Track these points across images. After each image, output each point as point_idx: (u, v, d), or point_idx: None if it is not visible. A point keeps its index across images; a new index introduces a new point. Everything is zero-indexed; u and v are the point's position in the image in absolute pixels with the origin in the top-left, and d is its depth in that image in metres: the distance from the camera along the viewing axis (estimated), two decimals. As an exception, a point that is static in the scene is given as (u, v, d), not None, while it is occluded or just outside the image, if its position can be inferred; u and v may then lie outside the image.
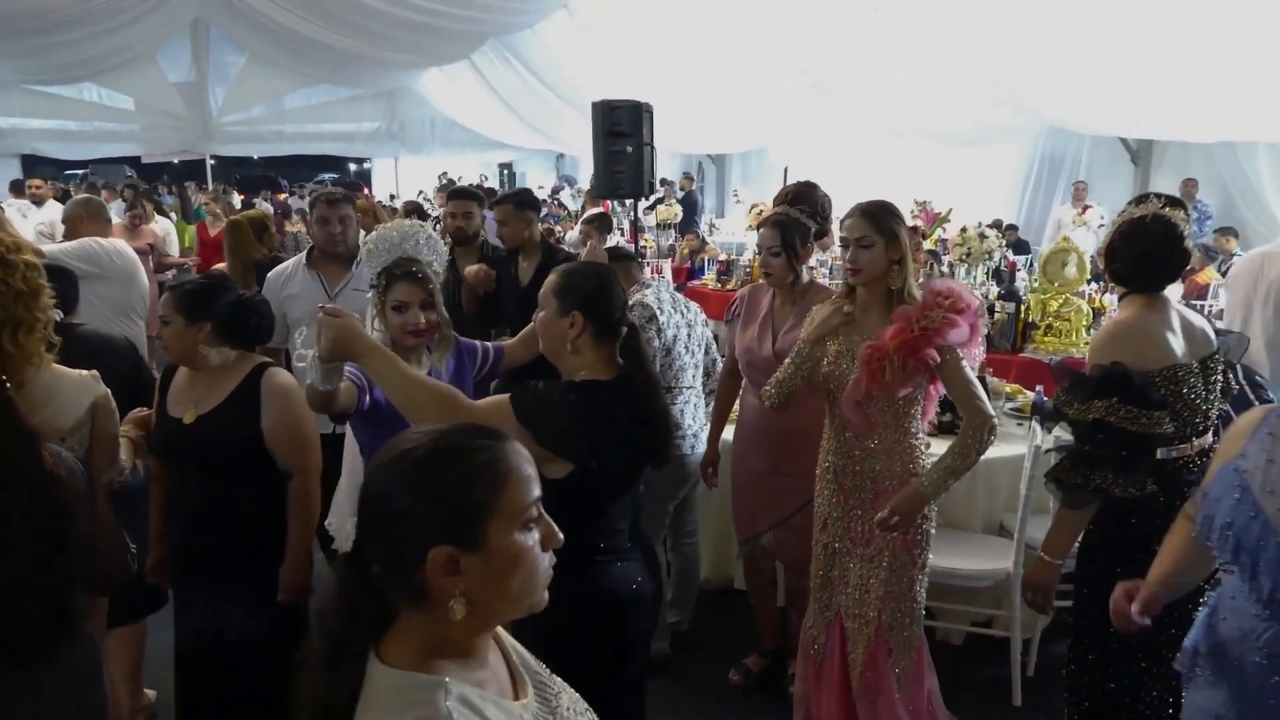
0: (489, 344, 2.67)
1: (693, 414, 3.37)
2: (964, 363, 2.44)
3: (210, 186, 15.82)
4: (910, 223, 5.51)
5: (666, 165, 15.47)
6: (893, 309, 2.47)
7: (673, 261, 8.44)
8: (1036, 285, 5.28)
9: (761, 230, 2.99)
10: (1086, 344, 4.55)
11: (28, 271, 2.15)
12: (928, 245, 6.17)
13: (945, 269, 6.16)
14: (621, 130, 5.57)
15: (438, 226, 4.31)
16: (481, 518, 1.08)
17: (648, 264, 6.31)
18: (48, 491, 1.68)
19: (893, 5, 6.73)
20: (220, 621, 2.37)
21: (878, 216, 2.49)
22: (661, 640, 3.45)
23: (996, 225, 7.29)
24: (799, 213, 2.98)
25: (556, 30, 10.64)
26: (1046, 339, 5.01)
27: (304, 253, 3.55)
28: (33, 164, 18.52)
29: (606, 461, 1.95)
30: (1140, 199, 2.36)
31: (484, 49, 12.56)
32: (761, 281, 3.18)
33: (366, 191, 17.29)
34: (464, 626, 1.08)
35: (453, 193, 4.47)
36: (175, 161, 18.41)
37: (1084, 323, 4.92)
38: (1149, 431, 2.13)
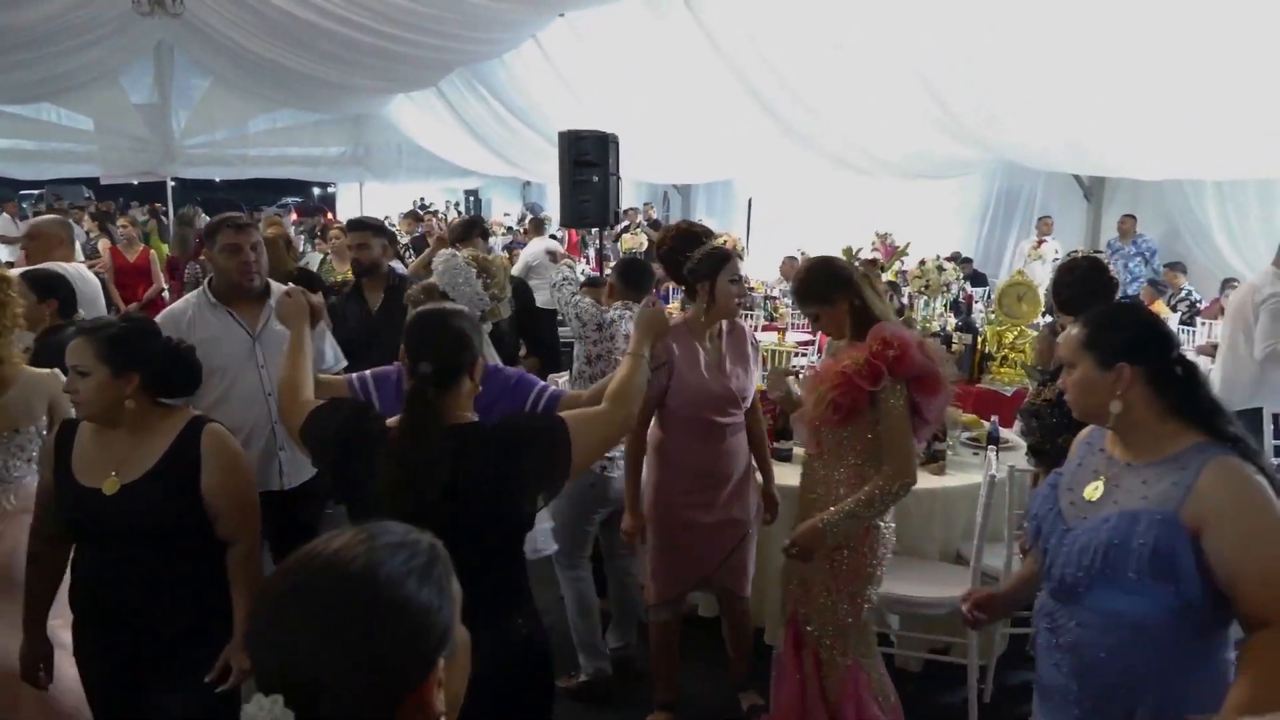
0: (548, 388, 2.44)
1: None
2: (904, 416, 2.46)
3: (171, 208, 15.65)
4: (870, 255, 5.64)
5: (631, 194, 15.60)
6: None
7: (638, 290, 8.48)
8: (993, 317, 5.40)
9: (734, 262, 2.97)
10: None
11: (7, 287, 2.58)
12: (887, 277, 6.29)
13: (905, 300, 6.28)
14: (588, 160, 5.65)
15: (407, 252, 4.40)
16: (453, 616, 0.98)
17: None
18: None
19: (853, 42, 6.90)
20: (154, 714, 2.12)
21: (804, 291, 2.66)
22: (601, 660, 3.43)
23: (954, 258, 7.45)
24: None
25: (525, 60, 10.72)
26: (1002, 370, 5.12)
27: (202, 289, 3.02)
28: (-16, 183, 18.20)
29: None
30: (1070, 254, 2.98)
31: (452, 77, 12.58)
32: (675, 323, 2.92)
33: (331, 216, 17.21)
34: None
35: (350, 224, 4.49)
36: (135, 183, 18.16)
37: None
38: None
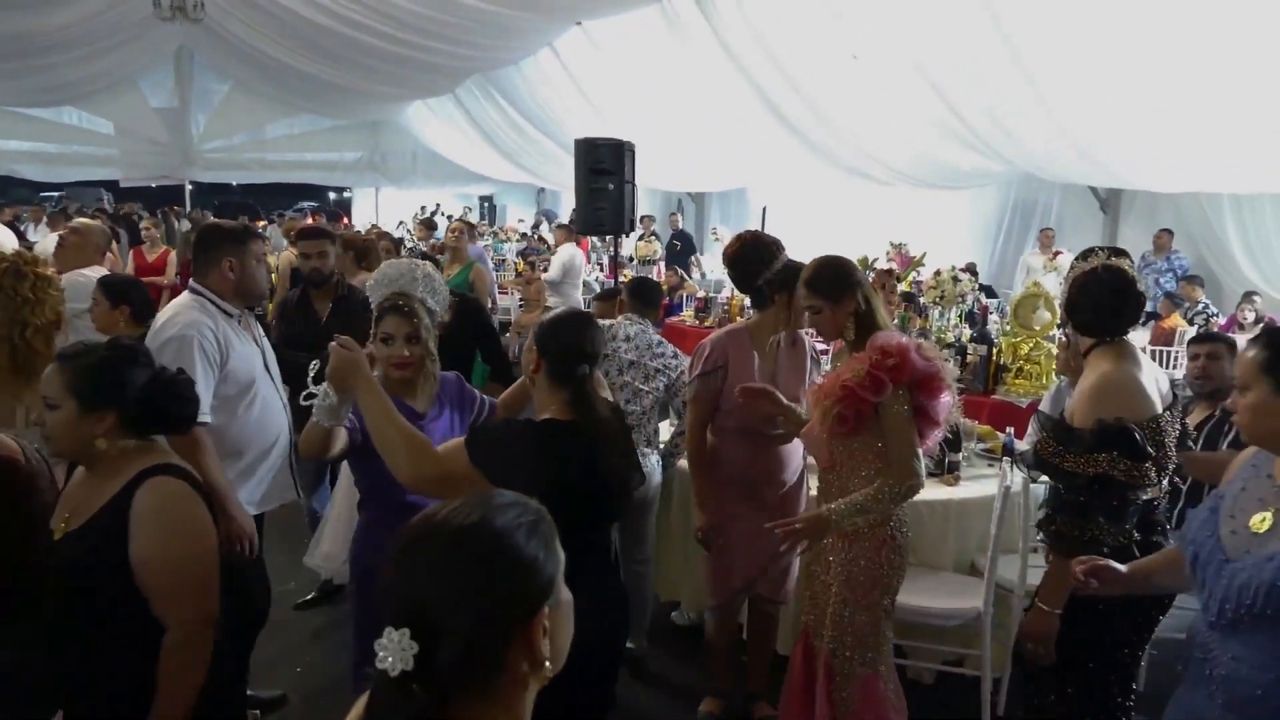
0: (485, 397, 2.71)
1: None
2: (908, 420, 2.47)
3: (189, 211, 15.78)
4: (885, 265, 5.63)
5: (646, 202, 15.63)
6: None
7: (652, 297, 8.49)
8: (1008, 329, 5.39)
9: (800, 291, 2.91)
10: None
11: (37, 282, 2.66)
12: (903, 288, 6.29)
13: (919, 312, 6.27)
14: (604, 168, 5.66)
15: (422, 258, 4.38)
16: (557, 571, 1.09)
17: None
18: (11, 474, 1.87)
19: (869, 52, 6.90)
20: None
21: (816, 284, 2.63)
22: None
23: (970, 269, 7.43)
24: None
25: (541, 68, 10.78)
26: (1018, 381, 5.10)
27: (204, 301, 2.78)
28: (7, 185, 18.40)
29: (553, 503, 1.95)
30: (1086, 253, 2.48)
31: (468, 84, 12.65)
32: (734, 329, 3.17)
33: (347, 221, 17.31)
34: (527, 699, 1.09)
35: (302, 232, 4.48)
36: (153, 186, 18.31)
37: (1053, 366, 5.02)
38: (1140, 483, 2.20)
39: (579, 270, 8.60)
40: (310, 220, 16.90)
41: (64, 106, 14.94)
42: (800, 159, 9.14)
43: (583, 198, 5.78)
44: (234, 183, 20.51)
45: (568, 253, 8.69)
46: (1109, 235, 9.54)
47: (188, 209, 16.30)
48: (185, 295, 2.80)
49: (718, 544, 3.09)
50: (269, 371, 2.93)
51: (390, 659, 0.97)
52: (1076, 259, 2.53)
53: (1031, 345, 5.12)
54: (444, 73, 12.01)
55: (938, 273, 5.90)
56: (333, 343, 2.06)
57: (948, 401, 2.54)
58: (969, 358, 5.15)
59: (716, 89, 8.67)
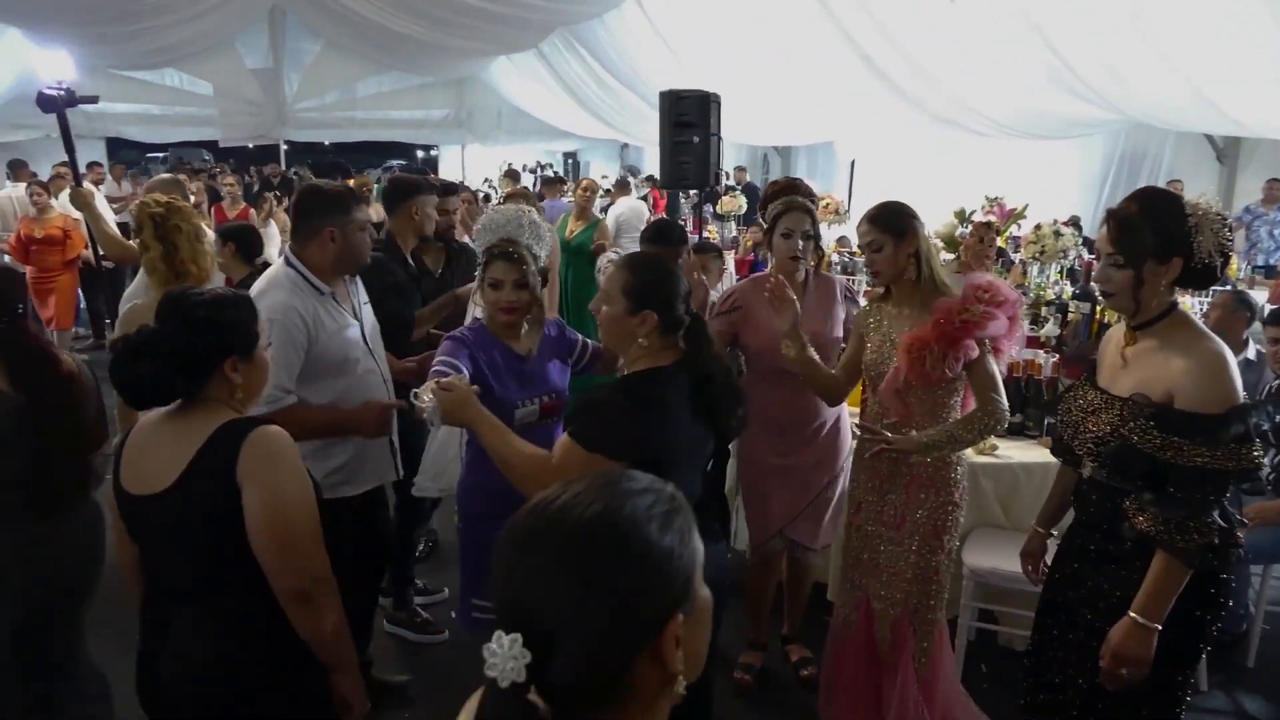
0: (589, 341, 2.76)
1: None
2: (990, 358, 2.53)
3: (284, 170, 16.23)
4: (982, 218, 5.39)
5: (731, 156, 15.38)
6: (929, 301, 2.55)
7: (736, 254, 8.38)
8: (1113, 286, 5.11)
9: (792, 215, 3.02)
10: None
11: (189, 215, 3.36)
12: (1000, 242, 6.02)
13: (1018, 266, 6.01)
14: (688, 120, 5.56)
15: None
16: (694, 568, 0.95)
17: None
18: (68, 386, 2.35)
19: (969, -4, 6.57)
20: None
21: (882, 219, 2.62)
22: None
23: (1073, 222, 7.07)
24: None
25: (624, 20, 10.62)
26: (1122, 341, 4.85)
27: (290, 271, 2.65)
28: (117, 146, 19.22)
29: (670, 448, 1.97)
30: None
31: (552, 38, 12.59)
32: (760, 276, 3.25)
33: (433, 177, 17.53)
34: (665, 707, 0.95)
35: (445, 187, 4.14)
36: (250, 146, 18.86)
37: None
38: (1256, 469, 1.92)
39: (633, 226, 8.55)
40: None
41: (165, 69, 15.43)
42: (892, 110, 8.83)
43: (666, 151, 5.70)
44: (326, 142, 20.91)
45: (620, 208, 8.67)
46: (1225, 187, 8.99)
47: (283, 168, 16.73)
48: (278, 267, 2.67)
49: (755, 489, 3.17)
50: (368, 344, 2.77)
51: (500, 668, 0.84)
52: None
53: (1139, 303, 4.86)
54: (528, 27, 11.98)
55: (1038, 227, 5.62)
56: (435, 386, 2.00)
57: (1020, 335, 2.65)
58: (1070, 316, 4.91)
59: (804, 37, 8.40)
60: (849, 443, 3.15)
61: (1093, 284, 2.92)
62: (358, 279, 2.88)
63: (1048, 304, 5.15)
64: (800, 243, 2.96)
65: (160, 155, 22.38)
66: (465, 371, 2.28)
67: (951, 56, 7.44)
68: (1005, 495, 3.47)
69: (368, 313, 2.86)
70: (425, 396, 1.98)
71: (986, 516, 3.46)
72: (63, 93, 3.11)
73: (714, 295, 3.70)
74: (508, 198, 7.19)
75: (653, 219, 6.49)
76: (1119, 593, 2.02)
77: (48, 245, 7.59)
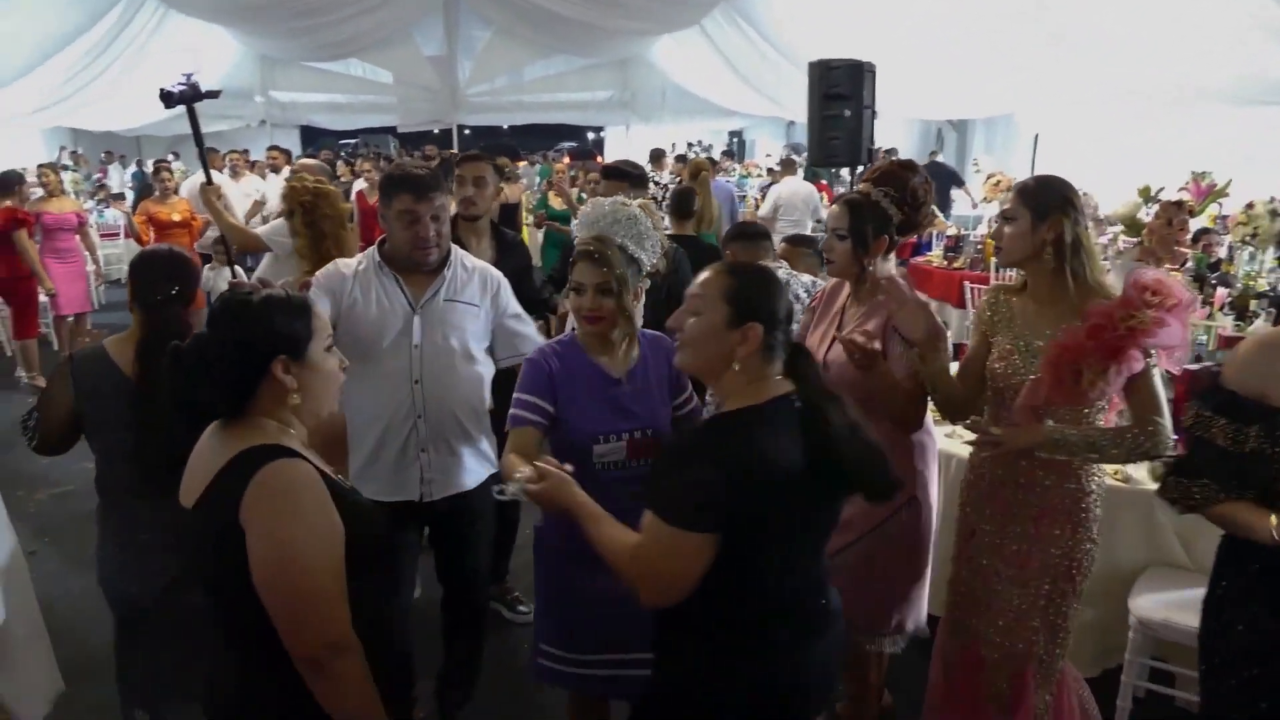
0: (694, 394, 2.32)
1: None
2: (1156, 371, 2.09)
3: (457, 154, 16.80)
4: (1176, 197, 4.71)
5: (903, 132, 14.57)
6: (1075, 302, 2.13)
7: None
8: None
9: (831, 208, 2.52)
10: None
11: (336, 201, 3.59)
12: (1201, 223, 5.26)
13: (1224, 253, 5.25)
14: (839, 92, 5.19)
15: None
16: None
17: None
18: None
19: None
20: None
21: (1027, 190, 2.23)
22: None
23: (1294, 201, 6.12)
24: (881, 196, 2.41)
25: (788, -11, 10.24)
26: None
27: (373, 250, 2.57)
28: (312, 135, 20.58)
29: (784, 512, 1.62)
30: None
31: (714, 14, 12.40)
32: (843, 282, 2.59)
33: (600, 159, 17.68)
34: None
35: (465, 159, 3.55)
36: (435, 131, 19.60)
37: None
38: None
39: (796, 208, 8.15)
40: (565, 160, 17.44)
41: (349, 59, 16.35)
42: (1079, 78, 7.99)
43: (815, 126, 5.36)
44: (504, 125, 21.50)
45: (781, 188, 8.31)
46: None
47: (440, 151, 17.38)
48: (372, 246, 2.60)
49: None
50: (412, 339, 2.50)
51: None
52: None
53: (1376, 297, 4.09)
54: (691, 3, 11.88)
55: (1250, 205, 4.86)
56: (527, 483, 1.74)
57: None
58: (1286, 311, 4.21)
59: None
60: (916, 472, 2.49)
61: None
62: (476, 277, 2.59)
63: (1258, 296, 4.43)
64: (836, 243, 2.42)
65: (351, 142, 23.78)
66: (547, 413, 2.07)
67: (1147, 15, 6.59)
68: (1187, 530, 2.91)
69: (437, 308, 2.52)
70: (510, 488, 1.73)
71: (1163, 554, 2.92)
72: (186, 88, 3.15)
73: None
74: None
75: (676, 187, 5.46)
76: None
77: (179, 227, 7.80)
